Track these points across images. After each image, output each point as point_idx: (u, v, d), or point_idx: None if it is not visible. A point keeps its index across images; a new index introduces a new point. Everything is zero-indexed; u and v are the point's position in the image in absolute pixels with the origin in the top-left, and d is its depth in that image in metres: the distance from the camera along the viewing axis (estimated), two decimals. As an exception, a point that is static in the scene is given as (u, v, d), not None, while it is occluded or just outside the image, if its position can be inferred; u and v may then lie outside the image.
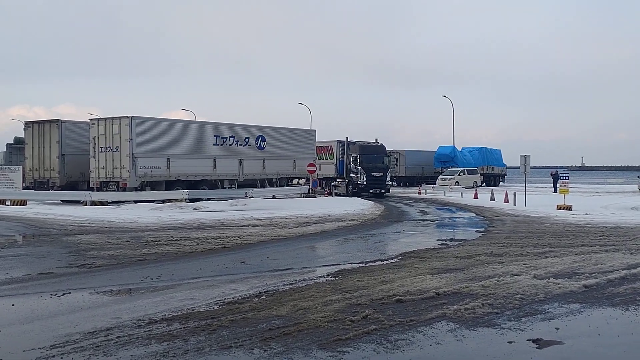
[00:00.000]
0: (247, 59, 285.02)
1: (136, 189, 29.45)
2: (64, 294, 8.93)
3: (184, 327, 6.95)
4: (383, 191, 40.02)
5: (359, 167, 39.53)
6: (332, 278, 10.22)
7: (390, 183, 42.85)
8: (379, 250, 14.25)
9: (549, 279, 9.87)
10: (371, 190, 39.27)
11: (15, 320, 7.41)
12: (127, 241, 15.17)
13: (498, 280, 9.68)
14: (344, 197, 37.10)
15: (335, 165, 42.49)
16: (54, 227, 18.66)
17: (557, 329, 7.06)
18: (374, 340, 6.49)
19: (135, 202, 28.01)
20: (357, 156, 39.96)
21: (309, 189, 37.52)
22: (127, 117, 29.47)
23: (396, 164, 55.08)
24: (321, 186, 42.71)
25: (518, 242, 15.29)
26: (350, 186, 40.14)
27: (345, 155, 41.43)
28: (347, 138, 41.95)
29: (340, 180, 41.49)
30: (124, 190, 29.44)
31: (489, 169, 60.54)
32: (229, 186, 34.30)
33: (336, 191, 40.72)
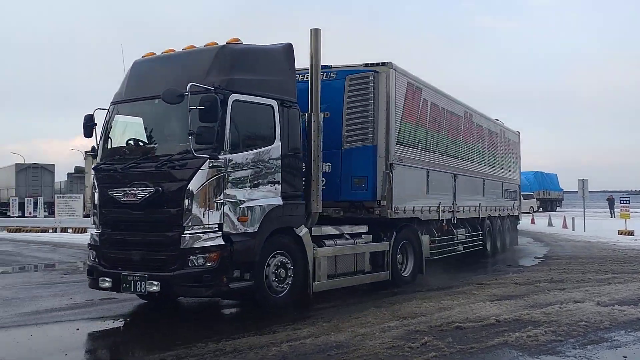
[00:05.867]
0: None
1: None
2: None
3: None
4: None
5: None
6: (389, 305, 10.12)
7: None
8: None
9: (613, 305, 9.55)
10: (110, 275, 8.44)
11: None
12: None
13: (560, 307, 9.43)
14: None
15: None
16: None
17: (625, 357, 6.83)
18: (434, 368, 6.41)
19: None
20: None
21: None
22: None
23: None
24: None
25: (579, 268, 14.90)
26: None
27: None
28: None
29: None
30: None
31: (545, 194, 59.30)
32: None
33: None
